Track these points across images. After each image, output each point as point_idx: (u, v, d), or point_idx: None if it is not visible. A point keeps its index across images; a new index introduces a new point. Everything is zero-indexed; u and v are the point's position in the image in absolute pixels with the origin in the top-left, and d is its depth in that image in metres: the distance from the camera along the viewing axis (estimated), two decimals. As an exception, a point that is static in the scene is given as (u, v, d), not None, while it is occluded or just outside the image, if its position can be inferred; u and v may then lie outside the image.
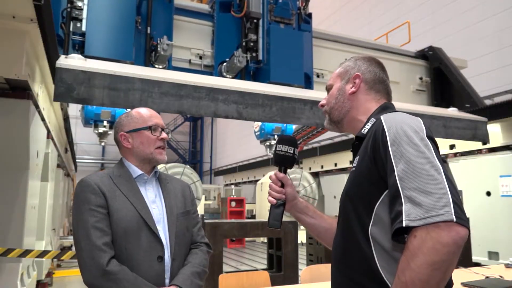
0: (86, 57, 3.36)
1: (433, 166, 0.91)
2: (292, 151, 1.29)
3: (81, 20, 3.80)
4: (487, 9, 7.97)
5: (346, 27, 11.90)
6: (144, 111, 1.61)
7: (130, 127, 1.56)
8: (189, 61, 4.59)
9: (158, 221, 1.49)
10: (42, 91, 3.64)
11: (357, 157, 1.11)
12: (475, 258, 5.54)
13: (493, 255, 5.68)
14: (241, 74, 4.59)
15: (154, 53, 4.15)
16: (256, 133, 5.98)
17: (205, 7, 4.90)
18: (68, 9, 3.77)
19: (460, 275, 2.52)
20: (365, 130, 1.13)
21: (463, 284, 2.30)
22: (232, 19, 4.64)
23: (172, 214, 1.53)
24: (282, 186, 1.29)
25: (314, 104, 3.73)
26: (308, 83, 4.79)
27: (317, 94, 4.00)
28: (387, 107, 1.19)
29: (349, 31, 11.09)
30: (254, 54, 4.66)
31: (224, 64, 4.54)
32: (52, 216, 6.04)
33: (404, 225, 0.86)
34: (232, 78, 4.49)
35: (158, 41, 4.08)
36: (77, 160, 13.14)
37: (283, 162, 1.30)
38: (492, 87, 7.51)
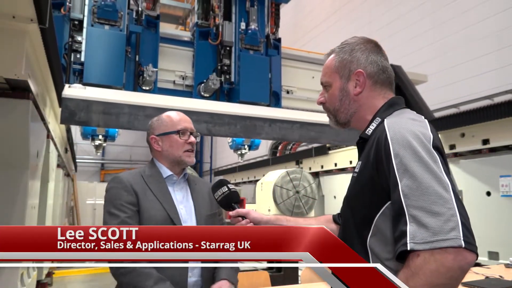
0: (84, 84, 4.14)
1: (441, 183, 0.85)
2: (226, 189, 1.38)
3: (80, 52, 4.53)
4: (487, 9, 7.97)
5: (345, 27, 11.90)
6: (173, 115, 1.66)
7: (160, 130, 1.62)
8: (173, 82, 5.44)
9: (186, 221, 1.53)
10: (42, 94, 3.64)
11: (359, 162, 1.06)
12: (475, 258, 5.54)
13: (493, 255, 5.68)
14: (217, 93, 5.36)
15: (141, 77, 4.88)
16: (229, 143, 6.72)
17: (187, 34, 5.74)
18: (70, 43, 4.52)
19: (460, 275, 2.52)
20: (369, 130, 1.07)
21: (463, 284, 2.30)
22: (209, 46, 5.48)
23: (200, 215, 1.58)
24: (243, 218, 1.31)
25: (273, 122, 4.37)
26: (277, 100, 5.62)
27: (276, 113, 4.78)
28: (395, 103, 1.11)
29: (348, 32, 11.08)
30: (227, 76, 5.50)
31: (202, 85, 5.33)
32: (52, 216, 6.04)
33: (408, 248, 0.82)
34: (209, 96, 5.33)
35: (145, 68, 4.80)
36: (77, 160, 13.13)
37: (228, 202, 1.39)
38: (492, 87, 7.51)
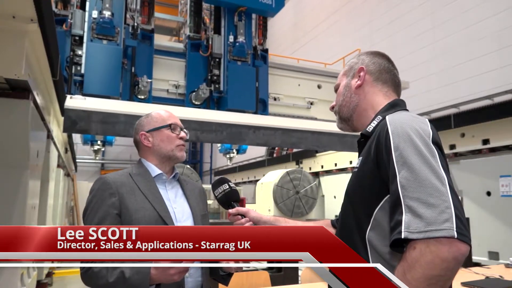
0: (85, 94, 4.45)
1: (438, 176, 0.87)
2: (227, 187, 1.38)
3: (80, 65, 4.88)
4: (487, 9, 7.97)
5: (345, 27, 11.89)
6: (163, 112, 1.65)
7: (150, 126, 1.60)
8: (167, 91, 5.76)
9: (179, 220, 1.49)
10: (42, 94, 3.64)
11: (360, 158, 1.08)
12: (475, 258, 5.53)
13: (493, 255, 5.68)
14: (207, 102, 5.76)
15: (137, 87, 5.22)
16: (219, 148, 7.13)
17: (180, 45, 6.12)
18: (71, 56, 4.87)
19: (460, 275, 2.52)
20: (370, 127, 1.09)
21: (463, 284, 2.31)
22: (200, 57, 5.84)
23: (196, 214, 1.55)
24: (243, 217, 1.33)
25: (257, 129, 4.62)
26: (264, 106, 6.05)
27: (260, 120, 4.93)
28: (397, 105, 1.14)
29: (349, 31, 11.08)
30: (217, 86, 5.79)
31: (193, 93, 5.67)
32: (52, 216, 6.04)
33: (402, 236, 0.84)
34: (200, 104, 5.73)
35: (140, 79, 5.15)
36: (77, 160, 13.13)
37: (227, 199, 1.38)
38: (492, 87, 7.51)
